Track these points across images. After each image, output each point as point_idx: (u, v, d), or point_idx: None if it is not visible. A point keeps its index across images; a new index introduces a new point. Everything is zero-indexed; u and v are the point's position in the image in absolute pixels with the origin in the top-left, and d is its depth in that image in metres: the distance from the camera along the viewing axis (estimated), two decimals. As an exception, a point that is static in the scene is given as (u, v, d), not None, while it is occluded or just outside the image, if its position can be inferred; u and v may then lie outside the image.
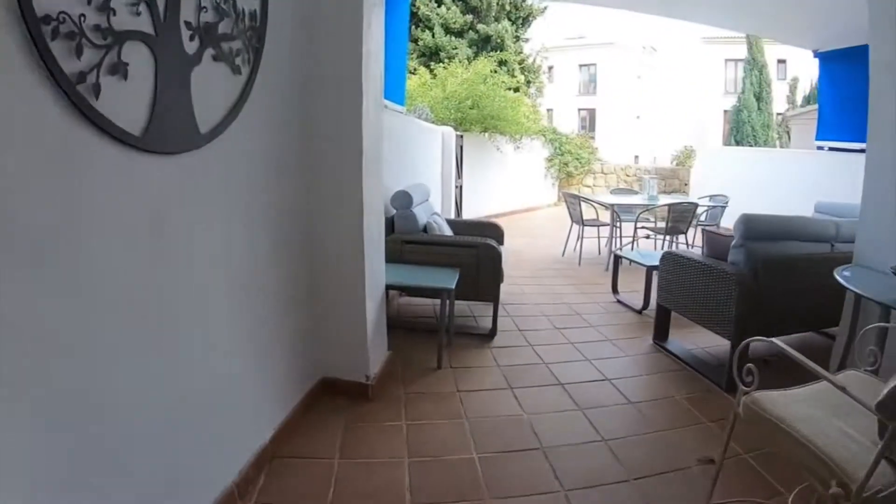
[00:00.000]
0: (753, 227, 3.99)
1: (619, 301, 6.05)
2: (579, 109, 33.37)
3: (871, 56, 3.67)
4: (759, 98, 20.61)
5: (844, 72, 9.74)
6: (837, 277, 3.26)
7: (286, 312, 2.98)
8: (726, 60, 30.48)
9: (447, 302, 3.96)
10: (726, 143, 20.64)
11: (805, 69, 21.48)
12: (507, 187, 12.68)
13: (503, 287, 4.93)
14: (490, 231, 5.62)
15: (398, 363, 3.97)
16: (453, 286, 3.91)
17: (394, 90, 6.43)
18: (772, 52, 21.60)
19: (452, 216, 8.93)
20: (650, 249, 8.68)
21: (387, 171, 5.06)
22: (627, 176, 15.19)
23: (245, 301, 2.52)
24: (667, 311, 4.69)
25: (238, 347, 2.49)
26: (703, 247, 4.59)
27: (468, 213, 10.63)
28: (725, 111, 26.45)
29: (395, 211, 4.75)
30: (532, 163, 13.53)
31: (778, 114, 21.85)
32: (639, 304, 5.81)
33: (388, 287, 3.89)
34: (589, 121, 33.10)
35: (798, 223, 4.34)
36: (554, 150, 14.68)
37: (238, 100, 2.33)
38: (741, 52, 25.55)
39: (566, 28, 33.54)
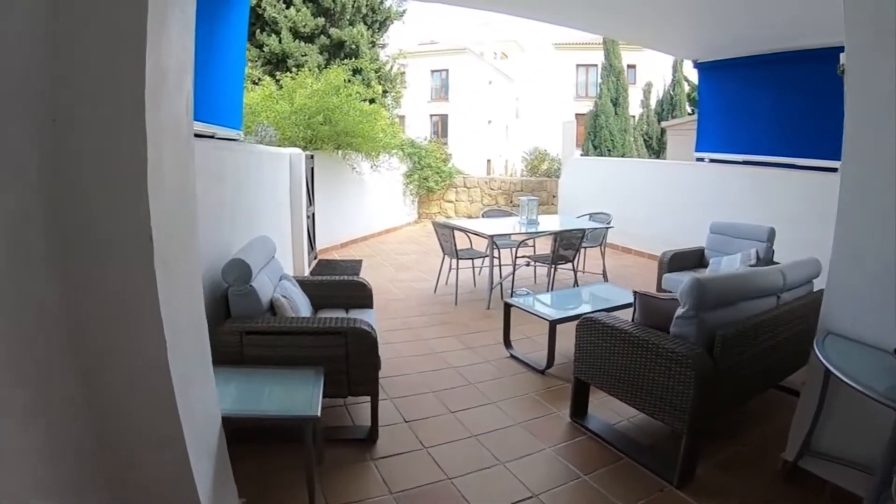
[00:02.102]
0: (707, 296, 3.19)
1: (513, 357, 5.11)
2: (431, 115, 33.16)
3: (850, 67, 2.95)
4: (615, 103, 20.81)
5: (725, 83, 9.64)
6: (839, 375, 2.53)
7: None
8: (578, 65, 31.45)
9: (312, 436, 2.72)
10: (583, 146, 20.61)
11: (657, 74, 22.22)
12: (365, 209, 11.48)
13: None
14: (356, 295, 4.53)
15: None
16: (318, 410, 2.67)
17: (227, 112, 5.15)
18: (624, 56, 21.99)
19: (306, 251, 7.64)
20: (531, 281, 7.96)
21: (218, 225, 3.80)
22: (492, 189, 14.32)
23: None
24: (586, 384, 3.84)
25: None
26: (634, 311, 3.69)
27: (323, 242, 9.40)
28: (577, 115, 26.87)
29: (228, 286, 3.42)
30: (391, 180, 12.34)
31: (631, 116, 22.26)
32: (537, 356, 4.97)
33: (226, 419, 2.61)
34: (441, 126, 32.95)
35: (749, 280, 3.64)
36: (413, 164, 13.61)
37: None
38: (592, 57, 26.16)
39: (419, 33, 33.34)
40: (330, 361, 3.23)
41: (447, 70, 33.04)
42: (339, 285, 4.50)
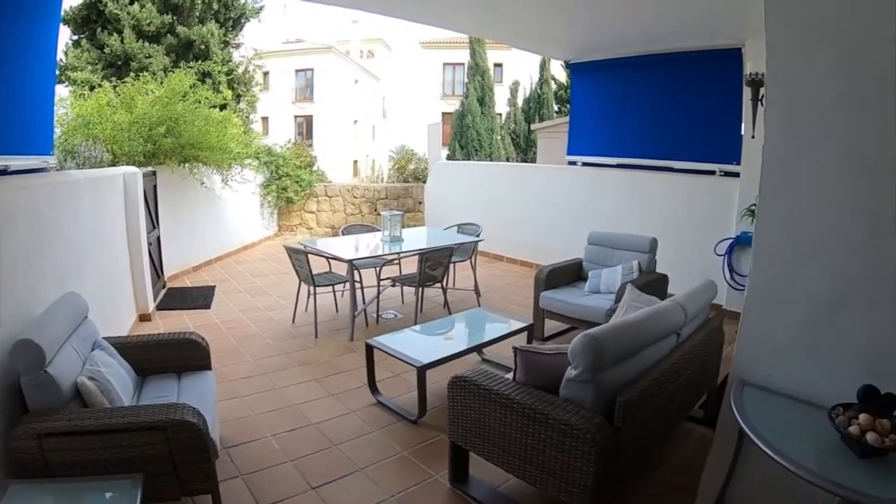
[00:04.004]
0: (605, 355, 2.81)
1: (381, 404, 4.64)
2: (296, 116, 32.26)
3: (770, 76, 2.73)
4: (482, 103, 20.89)
5: (599, 84, 9.66)
6: (770, 454, 2.19)
7: None
8: (445, 64, 31.70)
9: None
10: (449, 146, 20.53)
11: (524, 72, 22.67)
12: (218, 227, 10.53)
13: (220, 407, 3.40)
14: (189, 355, 3.82)
15: None
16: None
17: (29, 136, 4.34)
18: (490, 55, 22.21)
19: (149, 283, 6.79)
20: (398, 300, 7.61)
21: (8, 292, 3.08)
22: (355, 198, 13.58)
23: None
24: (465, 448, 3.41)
25: None
26: (515, 369, 3.27)
27: (172, 268, 8.56)
28: (444, 114, 27.01)
29: (20, 374, 2.68)
30: (246, 193, 11.34)
31: (497, 114, 22.52)
32: (407, 401, 4.59)
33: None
34: (306, 128, 32.18)
35: (650, 326, 3.30)
36: (270, 173, 12.72)
37: None
38: (459, 56, 26.40)
39: (285, 31, 32.35)
40: (152, 461, 2.64)
41: (312, 69, 32.22)
42: (167, 345, 3.77)
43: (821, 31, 2.52)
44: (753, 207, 6.10)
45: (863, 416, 2.18)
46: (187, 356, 3.78)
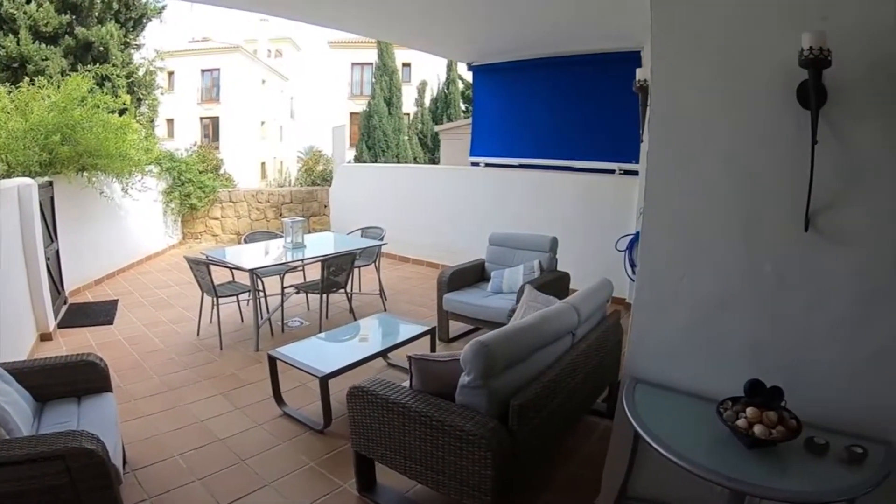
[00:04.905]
0: (495, 361, 2.95)
1: (287, 415, 4.70)
2: (202, 118, 31.29)
3: (656, 82, 2.87)
4: (389, 103, 21.16)
5: (501, 85, 9.88)
6: (662, 452, 2.33)
7: None
8: (353, 64, 31.67)
9: None
10: (356, 146, 20.59)
11: (432, 72, 23.04)
12: (121, 238, 10.18)
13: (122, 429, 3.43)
14: (88, 377, 3.73)
15: None
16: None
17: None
18: (398, 55, 22.57)
19: (48, 300, 6.56)
20: (304, 307, 7.68)
21: None
22: (259, 203, 13.34)
23: None
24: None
25: None
26: (410, 377, 3.40)
27: (74, 282, 8.30)
28: (353, 114, 27.07)
29: None
30: (147, 201, 10.92)
31: (405, 114, 22.90)
32: (313, 411, 4.64)
33: None
34: (212, 129, 31.30)
35: (542, 329, 3.44)
36: (173, 180, 12.31)
37: None
38: (367, 55, 26.47)
39: (192, 30, 31.52)
40: (55, 491, 2.63)
41: (219, 69, 31.41)
42: (65, 369, 3.69)
43: (702, 41, 2.68)
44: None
45: (750, 410, 2.33)
46: (86, 378, 3.71)
